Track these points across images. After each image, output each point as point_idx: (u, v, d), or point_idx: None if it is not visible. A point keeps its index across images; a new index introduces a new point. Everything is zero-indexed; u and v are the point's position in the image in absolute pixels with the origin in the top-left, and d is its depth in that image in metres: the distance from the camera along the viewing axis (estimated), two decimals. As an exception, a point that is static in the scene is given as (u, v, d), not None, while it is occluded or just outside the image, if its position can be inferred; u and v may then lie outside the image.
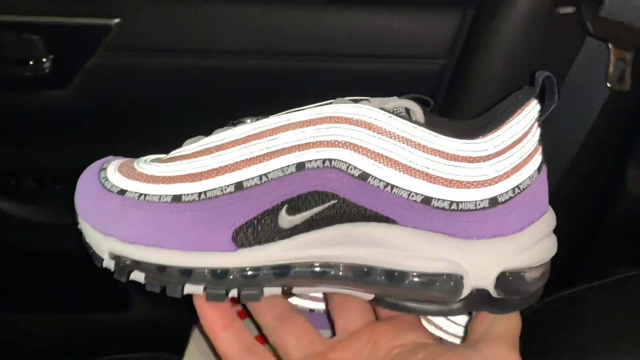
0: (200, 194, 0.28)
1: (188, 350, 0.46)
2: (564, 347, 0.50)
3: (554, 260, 0.66)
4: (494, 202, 0.27)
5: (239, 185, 0.27)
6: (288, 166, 0.27)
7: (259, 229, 0.28)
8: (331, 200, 0.27)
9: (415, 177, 0.26)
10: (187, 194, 0.28)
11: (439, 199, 0.26)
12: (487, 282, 0.27)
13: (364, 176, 0.26)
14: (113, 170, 0.30)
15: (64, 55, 0.52)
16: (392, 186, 0.26)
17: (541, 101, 0.28)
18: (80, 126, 0.59)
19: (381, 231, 0.27)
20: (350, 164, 0.26)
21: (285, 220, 0.27)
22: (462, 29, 0.51)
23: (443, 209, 0.26)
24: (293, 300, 0.36)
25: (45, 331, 0.72)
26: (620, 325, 0.50)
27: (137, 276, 0.29)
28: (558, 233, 0.61)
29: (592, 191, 0.61)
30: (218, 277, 0.28)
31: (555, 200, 0.55)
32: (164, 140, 0.60)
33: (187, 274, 0.28)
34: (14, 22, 0.51)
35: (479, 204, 0.27)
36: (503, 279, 0.27)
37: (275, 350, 0.32)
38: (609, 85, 0.45)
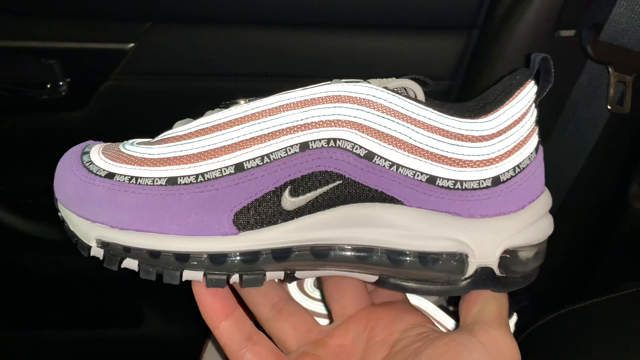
0: (197, 176, 0.26)
1: None
2: (577, 356, 0.51)
3: (561, 276, 0.67)
4: (496, 181, 0.27)
5: (239, 167, 0.26)
6: (291, 146, 0.26)
7: (262, 212, 0.26)
8: (336, 181, 0.26)
9: (421, 157, 0.26)
10: (184, 176, 0.26)
11: (443, 179, 0.26)
12: (492, 260, 0.27)
13: (369, 156, 0.26)
14: (97, 154, 0.29)
15: (80, 78, 0.54)
16: (398, 166, 0.26)
17: (537, 83, 0.29)
18: (95, 147, 0.61)
19: (386, 211, 0.27)
20: (355, 144, 0.26)
21: (289, 202, 0.26)
22: (467, 52, 0.53)
23: (447, 188, 0.26)
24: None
25: (59, 348, 0.73)
26: (626, 340, 0.50)
27: (130, 264, 0.27)
28: (564, 250, 0.62)
29: (596, 208, 0.62)
30: (217, 262, 0.26)
31: (560, 218, 0.56)
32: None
33: (184, 259, 0.26)
34: (32, 47, 0.53)
35: (482, 183, 0.27)
36: (506, 257, 0.27)
37: (273, 340, 0.31)
38: (609, 107, 0.46)
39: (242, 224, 0.26)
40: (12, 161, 0.61)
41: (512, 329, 0.48)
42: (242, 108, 0.27)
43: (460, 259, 0.27)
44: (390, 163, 0.26)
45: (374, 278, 0.29)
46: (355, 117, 0.26)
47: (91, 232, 0.27)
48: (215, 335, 0.29)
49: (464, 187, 0.26)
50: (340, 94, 0.26)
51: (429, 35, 0.52)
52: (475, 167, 0.26)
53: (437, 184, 0.26)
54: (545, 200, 0.29)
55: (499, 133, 0.27)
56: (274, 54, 0.53)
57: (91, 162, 0.28)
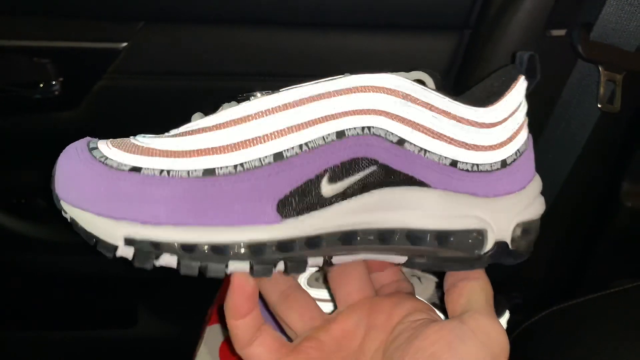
0: (236, 166, 0.26)
1: None
2: (565, 356, 0.51)
3: (553, 273, 0.67)
4: (504, 163, 0.29)
5: (278, 156, 0.26)
6: (329, 134, 0.26)
7: (303, 199, 0.27)
8: (371, 167, 0.27)
9: (444, 142, 0.28)
10: (222, 167, 0.26)
11: (463, 162, 0.28)
12: (506, 235, 0.30)
13: (401, 142, 0.27)
14: (109, 148, 0.27)
15: (73, 78, 0.54)
16: (425, 151, 0.28)
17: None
18: (89, 146, 0.61)
19: (416, 194, 0.28)
20: (388, 131, 0.27)
21: (328, 188, 0.27)
22: (459, 51, 0.53)
23: (467, 170, 0.29)
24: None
25: (54, 348, 0.73)
26: (619, 336, 0.51)
27: (168, 260, 0.26)
28: (557, 248, 0.62)
29: (587, 207, 0.62)
30: (257, 252, 0.26)
31: (552, 216, 0.57)
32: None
33: (221, 251, 0.26)
34: (25, 47, 0.52)
35: (494, 165, 0.29)
36: (517, 231, 0.30)
37: (281, 324, 0.32)
38: (599, 106, 0.47)
39: (285, 212, 0.26)
40: (5, 161, 0.61)
41: (505, 326, 0.49)
42: (274, 98, 0.27)
43: (481, 234, 0.29)
44: (419, 148, 0.28)
45: (404, 259, 0.31)
46: (387, 105, 0.27)
47: (117, 230, 0.26)
48: (229, 326, 0.29)
49: (479, 170, 0.29)
50: (371, 83, 0.27)
51: (422, 35, 0.53)
52: (488, 150, 0.29)
53: (458, 167, 0.28)
54: (538, 180, 0.32)
55: (503, 120, 0.29)
56: (267, 54, 0.53)
57: (106, 157, 0.26)
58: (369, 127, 0.27)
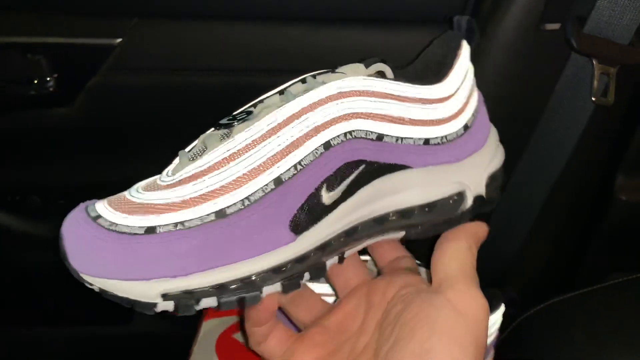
0: (243, 201, 0.27)
1: None
2: (559, 349, 0.52)
3: (549, 267, 0.67)
4: (466, 127, 0.32)
5: (278, 181, 0.27)
6: (317, 149, 0.28)
7: (310, 213, 0.28)
8: (360, 167, 0.29)
9: (415, 126, 0.30)
10: (230, 206, 0.27)
11: (433, 138, 0.31)
12: (481, 188, 0.33)
13: (380, 137, 0.29)
14: (112, 213, 0.27)
15: (67, 74, 0.54)
16: (401, 138, 0.30)
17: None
18: (83, 143, 0.60)
19: (401, 177, 0.31)
20: (367, 130, 0.29)
21: (327, 197, 0.29)
22: (454, 45, 0.53)
23: (438, 144, 0.31)
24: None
25: (49, 345, 0.73)
26: (611, 328, 0.51)
27: (208, 302, 0.28)
28: (552, 241, 0.62)
29: (582, 200, 0.62)
30: (281, 272, 0.28)
31: (547, 210, 0.57)
32: (165, 156, 0.62)
33: (252, 282, 0.27)
34: (18, 43, 0.52)
35: (459, 132, 0.32)
36: (489, 182, 0.33)
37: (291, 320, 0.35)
38: (593, 99, 0.47)
39: (298, 229, 0.28)
40: (-1, 157, 0.61)
41: (500, 320, 0.49)
42: (257, 127, 0.28)
43: (461, 195, 0.32)
44: (396, 138, 0.30)
45: (402, 233, 0.33)
46: (360, 106, 0.29)
47: (152, 290, 0.27)
48: (248, 330, 0.32)
49: (448, 140, 0.31)
50: (340, 90, 0.29)
51: (417, 29, 0.53)
52: (451, 120, 0.31)
53: (430, 143, 0.31)
54: (494, 130, 0.35)
55: (458, 89, 0.32)
56: (261, 49, 0.53)
57: (114, 224, 0.27)
58: (350, 132, 0.29)
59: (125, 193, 0.29)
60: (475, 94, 0.34)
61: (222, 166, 0.28)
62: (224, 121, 0.30)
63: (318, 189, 0.28)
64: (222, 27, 0.52)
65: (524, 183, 0.55)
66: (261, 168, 0.28)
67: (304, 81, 0.31)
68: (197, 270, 0.27)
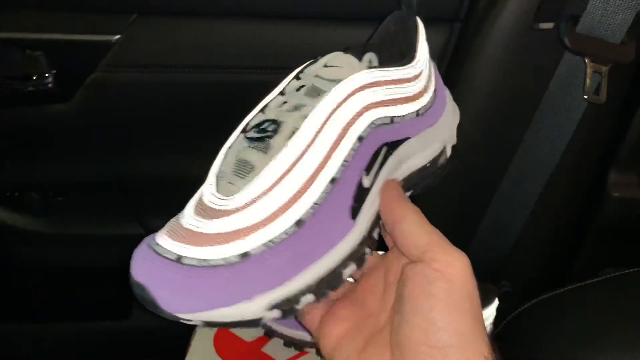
0: (312, 206, 0.29)
1: (188, 356, 0.48)
2: (552, 343, 0.52)
3: (543, 263, 0.68)
4: (434, 92, 0.37)
5: (333, 180, 0.30)
6: (353, 145, 0.31)
7: (358, 198, 0.31)
8: (383, 149, 0.33)
9: (409, 102, 0.34)
10: (304, 213, 0.29)
11: (419, 109, 0.35)
12: (454, 139, 0.39)
13: (392, 120, 0.33)
14: (194, 250, 0.28)
15: (66, 70, 0.54)
16: (404, 116, 0.34)
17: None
18: (82, 139, 0.61)
19: (406, 147, 0.35)
20: (383, 116, 0.33)
21: (366, 180, 0.32)
22: (449, 44, 0.54)
23: (424, 113, 0.35)
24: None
25: (47, 340, 0.73)
26: (604, 323, 0.52)
27: (308, 299, 0.29)
28: (546, 237, 0.63)
29: (576, 197, 0.63)
30: (351, 256, 0.31)
31: (541, 207, 0.58)
32: (163, 152, 0.63)
33: (338, 272, 0.30)
34: (17, 39, 0.53)
35: (432, 99, 0.36)
36: (458, 132, 0.39)
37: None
38: (585, 97, 0.47)
39: (354, 214, 0.31)
40: (-2, 153, 0.61)
41: (494, 314, 0.50)
42: (297, 141, 0.30)
43: (444, 150, 0.38)
44: (402, 116, 0.34)
45: (408, 194, 0.37)
46: (372, 98, 0.32)
47: (257, 306, 0.28)
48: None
49: (428, 107, 0.36)
50: (355, 86, 0.32)
51: (412, 28, 0.53)
52: (427, 90, 0.36)
53: (419, 114, 0.35)
54: (447, 90, 0.40)
55: (424, 64, 0.36)
56: (259, 47, 0.54)
57: (206, 260, 0.27)
58: (372, 122, 0.32)
59: (183, 223, 0.29)
60: (431, 63, 0.38)
61: (284, 178, 0.29)
62: (251, 135, 0.31)
63: (361, 178, 0.32)
64: (220, 25, 0.53)
65: (518, 180, 0.56)
66: (316, 173, 0.30)
67: (297, 77, 0.33)
68: (292, 277, 0.28)
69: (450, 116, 0.39)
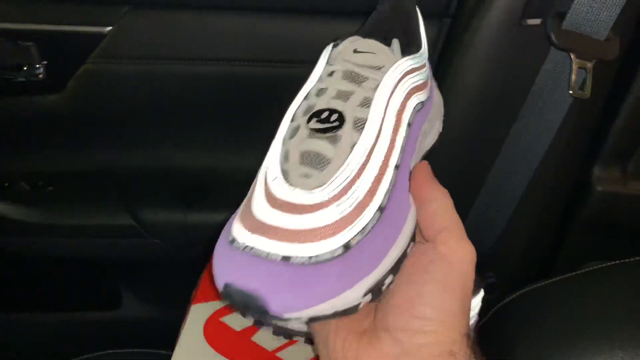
0: (386, 193, 0.30)
1: (178, 346, 0.48)
2: (537, 334, 0.53)
3: (528, 255, 0.69)
4: (431, 79, 0.39)
5: (396, 167, 0.31)
6: (405, 132, 0.32)
7: (410, 180, 0.33)
8: (420, 133, 0.36)
9: (425, 89, 0.36)
10: (382, 200, 0.29)
11: (429, 95, 0.37)
12: (441, 122, 0.41)
13: (424, 104, 0.35)
14: (295, 248, 0.27)
15: (57, 61, 0.54)
16: (424, 102, 0.36)
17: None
18: (73, 130, 0.61)
19: (425, 128, 0.37)
20: (418, 102, 0.34)
21: (413, 163, 0.34)
22: (439, 39, 0.55)
23: (430, 97, 0.37)
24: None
25: (39, 329, 0.73)
26: (587, 314, 0.53)
27: (389, 281, 0.30)
28: (531, 230, 0.64)
29: (561, 190, 0.64)
30: (413, 235, 0.32)
31: (526, 200, 0.59)
32: (153, 143, 0.63)
33: (406, 250, 0.31)
34: (8, 29, 0.53)
35: (432, 85, 0.38)
36: (446, 126, 0.42)
37: None
38: (570, 92, 0.48)
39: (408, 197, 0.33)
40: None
41: (479, 304, 0.51)
42: (366, 133, 0.31)
43: (440, 129, 0.41)
44: (427, 101, 0.36)
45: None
46: (411, 84, 0.34)
47: (357, 293, 0.28)
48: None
49: (430, 95, 0.38)
50: (401, 74, 0.33)
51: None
52: (430, 80, 0.38)
53: (429, 98, 0.37)
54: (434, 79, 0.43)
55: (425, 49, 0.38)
56: (252, 39, 0.54)
57: (314, 257, 0.27)
58: (414, 107, 0.34)
59: (266, 220, 0.28)
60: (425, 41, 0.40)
61: (365, 169, 0.30)
62: (315, 125, 0.31)
63: (411, 161, 0.33)
64: (212, 17, 0.53)
65: (505, 173, 0.57)
66: (385, 162, 0.31)
67: (329, 63, 0.34)
68: (381, 260, 0.29)
69: (439, 102, 0.41)
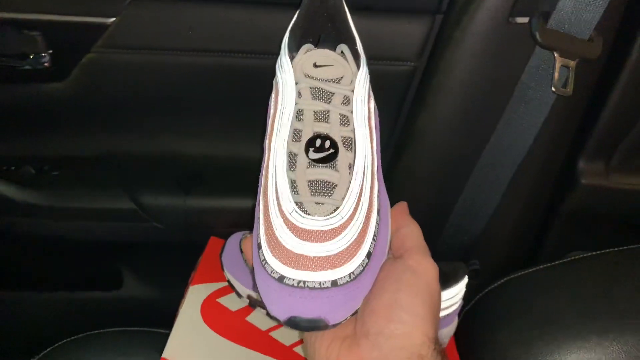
0: (379, 197, 0.36)
1: (176, 324, 0.50)
2: (518, 320, 0.55)
3: (513, 245, 0.71)
4: None
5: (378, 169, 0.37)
6: (375, 136, 0.37)
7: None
8: None
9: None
10: (378, 204, 0.36)
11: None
12: None
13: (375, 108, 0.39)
14: (331, 273, 0.30)
15: (62, 50, 0.55)
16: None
17: None
18: (76, 117, 0.62)
19: None
20: (373, 101, 0.39)
21: None
22: (431, 35, 0.56)
23: None
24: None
25: (44, 307, 0.75)
26: (568, 301, 0.55)
27: None
28: (516, 221, 0.66)
29: (546, 183, 0.65)
30: None
31: (513, 191, 0.60)
32: (154, 131, 0.64)
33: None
34: (15, 19, 0.54)
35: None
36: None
37: None
38: (553, 89, 0.50)
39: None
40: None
41: (463, 290, 0.53)
42: (361, 160, 0.35)
43: None
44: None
45: None
46: (368, 89, 0.38)
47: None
48: None
49: None
50: (366, 85, 0.38)
51: (397, 19, 0.55)
52: None
53: None
54: None
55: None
56: (253, 31, 0.55)
57: (351, 275, 0.31)
58: (374, 108, 0.38)
59: (305, 253, 0.31)
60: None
61: (364, 185, 0.34)
62: (314, 156, 0.34)
63: None
64: (214, 9, 0.54)
65: (491, 164, 0.58)
66: (372, 172, 0.35)
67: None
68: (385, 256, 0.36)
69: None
